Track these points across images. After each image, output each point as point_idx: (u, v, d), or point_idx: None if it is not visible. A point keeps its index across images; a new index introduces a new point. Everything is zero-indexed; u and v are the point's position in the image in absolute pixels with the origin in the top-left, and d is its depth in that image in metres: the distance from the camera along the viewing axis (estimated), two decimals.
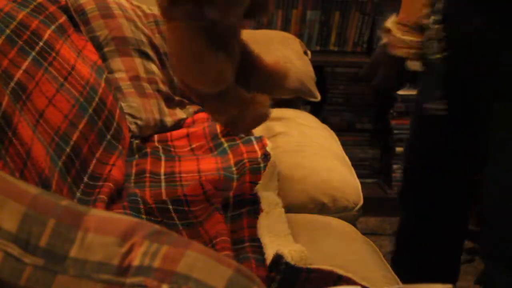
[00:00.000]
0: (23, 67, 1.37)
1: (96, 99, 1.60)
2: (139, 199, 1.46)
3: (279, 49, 2.37)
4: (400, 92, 2.69)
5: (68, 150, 1.38)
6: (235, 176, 1.63)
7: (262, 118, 1.45)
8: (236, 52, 1.37)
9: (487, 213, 1.46)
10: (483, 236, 1.53)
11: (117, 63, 1.93)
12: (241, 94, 1.41)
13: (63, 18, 1.75)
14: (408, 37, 1.41)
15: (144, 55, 1.99)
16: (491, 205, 1.44)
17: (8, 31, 1.39)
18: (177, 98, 2.06)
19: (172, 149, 1.85)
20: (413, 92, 2.60)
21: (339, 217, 1.57)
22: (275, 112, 2.14)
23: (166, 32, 1.36)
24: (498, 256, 1.44)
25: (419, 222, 1.73)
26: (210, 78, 1.33)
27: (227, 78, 1.35)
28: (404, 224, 1.80)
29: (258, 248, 1.28)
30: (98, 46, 1.93)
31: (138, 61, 1.97)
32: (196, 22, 1.25)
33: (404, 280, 1.25)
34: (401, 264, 1.76)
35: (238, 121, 1.44)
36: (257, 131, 1.96)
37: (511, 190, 1.38)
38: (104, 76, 1.75)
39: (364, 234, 1.55)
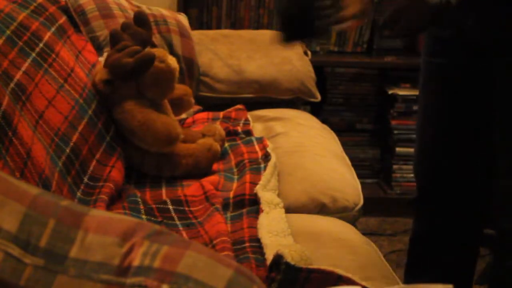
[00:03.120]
0: (23, 68, 1.37)
1: (96, 100, 1.60)
2: (139, 199, 1.46)
3: (279, 49, 2.37)
4: (400, 92, 2.69)
5: (68, 150, 1.38)
6: (235, 177, 1.63)
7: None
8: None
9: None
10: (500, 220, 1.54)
11: None
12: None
13: (63, 19, 1.75)
14: None
15: None
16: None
17: (8, 32, 1.39)
18: None
19: None
20: (413, 92, 2.62)
21: (339, 218, 1.56)
22: (275, 112, 2.16)
23: (120, 115, 1.61)
24: None
25: (434, 228, 1.72)
26: (165, 135, 1.60)
27: (178, 132, 1.62)
28: (417, 231, 1.79)
29: (258, 248, 1.28)
30: (98, 46, 1.93)
31: None
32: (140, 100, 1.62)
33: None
34: (415, 269, 1.76)
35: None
36: (258, 131, 1.96)
37: None
38: None
39: (364, 234, 1.54)
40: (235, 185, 1.58)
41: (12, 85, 1.29)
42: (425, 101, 1.66)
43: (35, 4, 1.61)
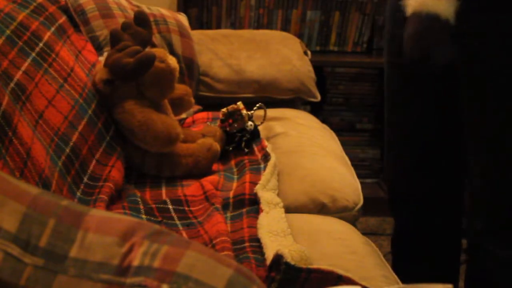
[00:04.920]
0: (23, 68, 1.37)
1: (96, 100, 1.60)
2: (139, 199, 1.46)
3: (279, 49, 2.38)
4: None
5: (67, 150, 1.39)
6: (235, 176, 1.63)
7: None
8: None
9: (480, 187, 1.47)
10: (477, 213, 1.52)
11: None
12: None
13: (63, 19, 1.75)
14: None
15: None
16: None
17: (8, 32, 1.39)
18: None
19: None
20: None
21: (339, 217, 1.56)
22: (275, 112, 2.15)
23: (120, 115, 1.61)
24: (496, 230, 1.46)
25: (411, 227, 1.72)
26: (165, 135, 1.59)
27: (178, 132, 1.61)
28: (397, 230, 1.80)
29: (258, 248, 1.28)
30: (98, 46, 1.93)
31: None
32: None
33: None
34: (400, 267, 1.76)
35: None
36: None
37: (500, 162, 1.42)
38: None
39: (364, 234, 1.54)
40: (235, 185, 1.58)
41: (12, 85, 1.29)
42: (389, 103, 1.65)
43: (35, 4, 1.61)
